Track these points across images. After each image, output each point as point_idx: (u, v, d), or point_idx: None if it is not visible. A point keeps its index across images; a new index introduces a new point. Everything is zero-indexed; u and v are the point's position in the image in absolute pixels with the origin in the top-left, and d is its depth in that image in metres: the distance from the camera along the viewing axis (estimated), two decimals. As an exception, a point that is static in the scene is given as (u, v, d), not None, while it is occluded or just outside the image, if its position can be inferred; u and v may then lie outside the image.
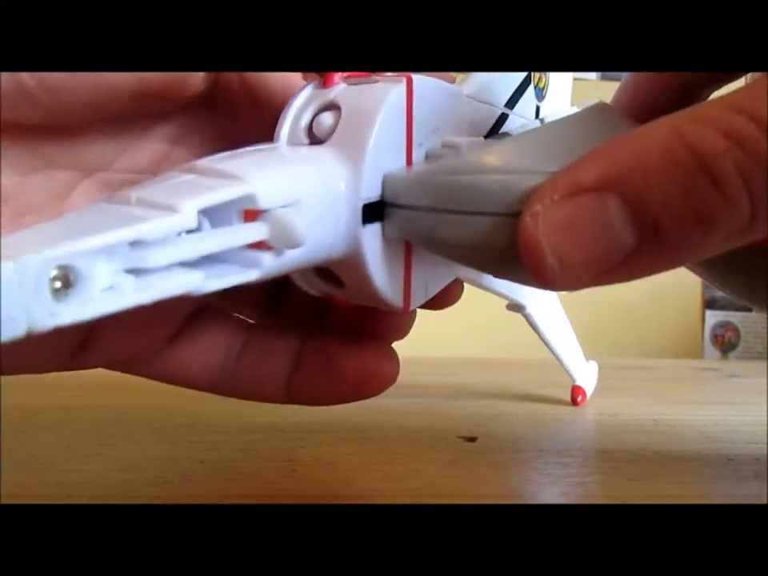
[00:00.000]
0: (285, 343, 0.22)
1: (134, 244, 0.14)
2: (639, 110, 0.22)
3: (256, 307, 0.23)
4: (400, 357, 0.22)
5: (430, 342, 0.44)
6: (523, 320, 0.33)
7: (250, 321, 0.23)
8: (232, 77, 0.20)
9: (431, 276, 0.20)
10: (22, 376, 0.21)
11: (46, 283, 0.12)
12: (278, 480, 0.24)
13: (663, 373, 0.49)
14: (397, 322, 0.22)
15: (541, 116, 0.24)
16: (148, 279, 0.14)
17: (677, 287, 0.66)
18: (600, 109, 0.19)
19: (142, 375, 0.22)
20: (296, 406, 0.22)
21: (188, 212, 0.14)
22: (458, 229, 0.17)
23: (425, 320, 0.23)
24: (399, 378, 0.22)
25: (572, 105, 0.27)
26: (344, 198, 0.18)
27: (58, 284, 0.13)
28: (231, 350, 0.22)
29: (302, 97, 0.19)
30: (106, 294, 0.13)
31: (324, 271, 0.19)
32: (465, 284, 0.23)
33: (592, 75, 0.67)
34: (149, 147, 0.21)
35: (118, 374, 0.22)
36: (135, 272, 0.14)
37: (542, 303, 0.32)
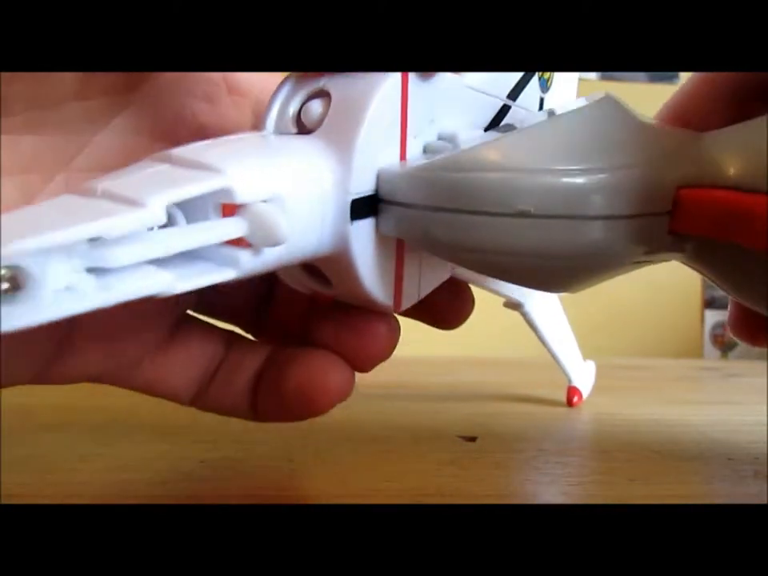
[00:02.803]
0: (252, 357, 0.21)
1: (95, 241, 0.13)
2: (698, 111, 0.21)
3: (241, 315, 0.22)
4: (401, 357, 0.21)
5: (430, 342, 0.44)
6: (523, 320, 0.33)
7: (234, 332, 0.22)
8: None
9: (425, 273, 0.19)
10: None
11: None
12: (277, 480, 0.24)
13: (663, 372, 0.49)
14: (378, 334, 0.19)
15: (545, 108, 0.23)
16: (111, 279, 0.13)
17: (677, 287, 0.66)
18: (605, 102, 0.18)
19: (122, 386, 0.21)
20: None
21: (154, 207, 0.13)
22: (458, 229, 0.16)
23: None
24: (399, 378, 0.21)
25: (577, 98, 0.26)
26: (331, 192, 0.16)
27: (5, 285, 0.12)
28: (211, 364, 0.21)
29: (290, 82, 0.18)
30: (62, 295, 0.12)
31: (311, 268, 0.18)
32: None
33: (592, 75, 0.67)
34: (114, 141, 0.19)
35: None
36: (97, 271, 0.13)
37: (541, 302, 0.32)
